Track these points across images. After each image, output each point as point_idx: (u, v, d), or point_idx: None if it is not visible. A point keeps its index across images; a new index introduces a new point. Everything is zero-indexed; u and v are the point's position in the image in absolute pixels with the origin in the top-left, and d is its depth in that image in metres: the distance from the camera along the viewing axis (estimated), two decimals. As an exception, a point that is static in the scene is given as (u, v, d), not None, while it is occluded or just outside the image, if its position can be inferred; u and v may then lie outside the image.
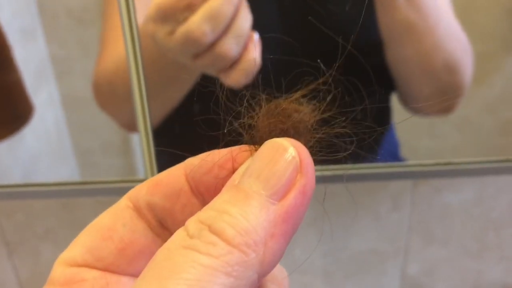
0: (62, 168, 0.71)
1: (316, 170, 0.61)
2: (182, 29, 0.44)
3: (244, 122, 0.21)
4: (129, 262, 0.21)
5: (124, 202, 0.22)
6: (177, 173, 0.21)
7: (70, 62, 0.66)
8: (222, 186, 0.19)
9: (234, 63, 0.47)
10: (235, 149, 0.20)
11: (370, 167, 0.63)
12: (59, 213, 0.73)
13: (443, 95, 0.63)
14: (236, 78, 0.47)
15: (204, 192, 0.21)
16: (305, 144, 0.19)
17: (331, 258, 0.79)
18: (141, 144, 0.57)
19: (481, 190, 0.75)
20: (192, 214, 0.20)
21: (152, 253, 0.20)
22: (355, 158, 0.61)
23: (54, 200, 0.71)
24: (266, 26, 0.57)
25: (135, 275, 0.21)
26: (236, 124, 0.21)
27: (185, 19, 0.44)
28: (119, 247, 0.21)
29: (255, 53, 0.47)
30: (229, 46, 0.45)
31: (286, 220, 0.18)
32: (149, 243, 0.21)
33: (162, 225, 0.21)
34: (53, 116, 0.68)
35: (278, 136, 0.19)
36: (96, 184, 0.62)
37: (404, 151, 0.71)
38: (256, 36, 0.48)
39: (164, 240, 0.20)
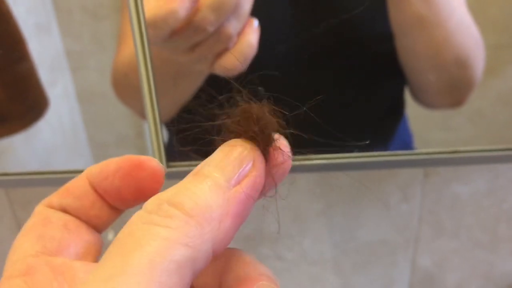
0: (77, 161, 0.72)
1: (323, 159, 0.61)
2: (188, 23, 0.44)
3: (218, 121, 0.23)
4: (73, 235, 0.24)
5: (39, 207, 0.25)
6: (81, 180, 0.24)
7: (84, 57, 0.66)
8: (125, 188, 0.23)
9: (228, 49, 0.47)
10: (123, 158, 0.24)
11: (379, 155, 0.63)
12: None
13: (454, 89, 0.63)
14: (232, 62, 0.47)
15: (103, 194, 0.24)
16: (267, 146, 0.22)
17: (340, 249, 0.80)
18: (150, 134, 0.58)
19: (492, 181, 0.75)
20: (100, 210, 0.24)
21: (86, 228, 0.24)
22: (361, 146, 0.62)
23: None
24: (276, 16, 0.57)
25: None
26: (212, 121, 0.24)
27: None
28: (60, 225, 0.23)
29: (253, 37, 0.47)
30: (231, 28, 0.45)
31: (239, 203, 0.20)
32: (80, 222, 0.25)
33: (80, 219, 0.25)
34: (68, 110, 0.69)
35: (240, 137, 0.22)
36: None
37: (416, 143, 0.71)
38: (255, 22, 0.47)
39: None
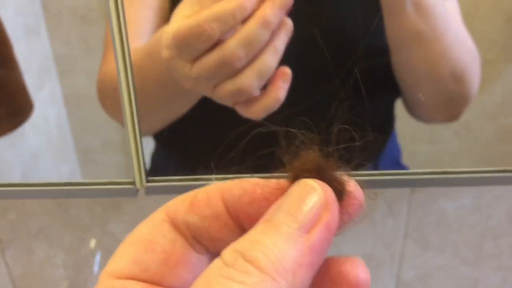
0: (63, 166, 0.71)
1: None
2: (216, 54, 0.42)
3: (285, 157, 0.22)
4: (171, 271, 0.22)
5: (161, 216, 0.23)
6: (215, 196, 0.22)
7: (73, 60, 0.66)
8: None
9: (255, 98, 0.45)
10: (280, 182, 0.22)
11: (365, 175, 0.63)
12: (52, 212, 0.72)
13: (449, 103, 0.63)
14: (255, 113, 0.45)
15: (243, 218, 0.22)
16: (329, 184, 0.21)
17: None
18: (130, 150, 0.58)
19: (479, 198, 0.75)
20: (229, 233, 0.22)
21: (189, 262, 0.23)
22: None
23: (48, 199, 0.71)
24: None
25: (175, 285, 0.23)
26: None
27: (203, 51, 0.43)
28: (161, 257, 0.22)
29: (282, 92, 0.45)
30: (250, 82, 0.43)
31: (312, 251, 0.19)
32: (187, 253, 0.23)
33: (197, 240, 0.23)
34: (55, 114, 0.68)
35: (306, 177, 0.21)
36: (94, 185, 0.63)
37: (403, 156, 0.71)
38: (288, 71, 0.45)
39: (199, 252, 0.23)
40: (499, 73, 0.70)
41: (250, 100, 0.45)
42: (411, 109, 0.65)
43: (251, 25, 0.41)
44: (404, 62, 0.59)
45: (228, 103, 0.47)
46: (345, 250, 0.78)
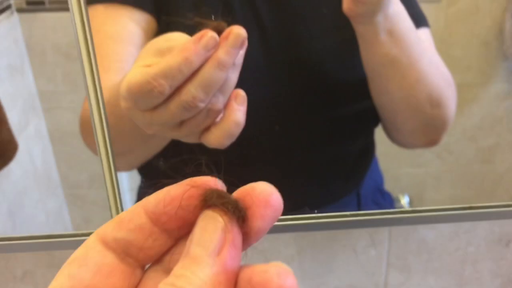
0: (49, 202, 0.71)
1: (286, 220, 0.61)
2: (176, 102, 0.43)
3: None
4: (105, 280, 0.26)
5: (92, 238, 0.27)
6: (137, 210, 0.26)
7: (57, 97, 0.67)
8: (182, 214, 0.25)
9: (214, 124, 0.45)
10: (183, 184, 0.25)
11: (345, 215, 0.64)
12: (37, 255, 0.72)
13: (428, 128, 0.64)
14: (217, 140, 0.45)
15: (166, 221, 0.26)
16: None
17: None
18: (104, 189, 0.58)
19: (457, 225, 0.75)
20: (156, 240, 0.26)
21: (121, 272, 0.26)
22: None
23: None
24: (249, 62, 0.58)
25: None
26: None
27: (159, 102, 0.43)
28: (94, 269, 0.26)
29: (240, 114, 0.45)
30: (218, 103, 0.44)
31: (225, 268, 0.23)
32: (118, 264, 0.26)
33: (127, 253, 0.27)
34: (40, 150, 0.68)
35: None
36: (75, 237, 0.63)
37: (386, 180, 0.72)
38: (242, 93, 0.45)
39: (130, 264, 0.27)
40: (475, 96, 0.71)
41: (210, 127, 0.46)
42: (391, 135, 0.66)
43: (207, 69, 0.42)
44: (382, 89, 0.60)
45: (193, 140, 0.47)
46: (329, 281, 0.78)
